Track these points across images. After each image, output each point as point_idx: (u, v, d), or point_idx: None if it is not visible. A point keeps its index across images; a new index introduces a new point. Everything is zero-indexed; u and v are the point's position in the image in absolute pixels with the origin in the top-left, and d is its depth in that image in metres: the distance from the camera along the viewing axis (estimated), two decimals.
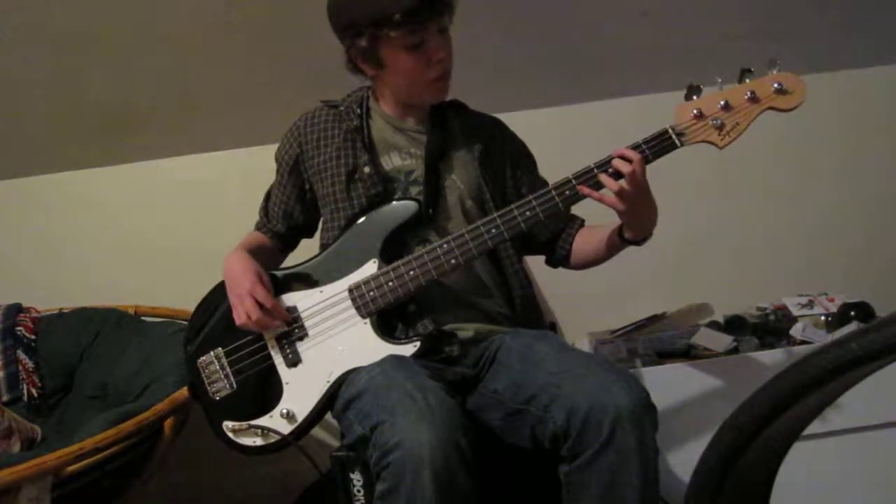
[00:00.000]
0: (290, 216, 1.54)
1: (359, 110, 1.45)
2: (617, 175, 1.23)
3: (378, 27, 1.28)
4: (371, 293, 1.32)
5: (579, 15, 1.99)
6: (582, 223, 1.52)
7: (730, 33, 2.01)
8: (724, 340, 1.71)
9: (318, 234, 1.55)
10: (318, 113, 1.49)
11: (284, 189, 1.53)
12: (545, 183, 1.33)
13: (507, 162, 1.50)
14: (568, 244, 1.50)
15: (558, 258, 1.53)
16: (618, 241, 1.37)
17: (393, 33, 1.28)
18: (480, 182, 1.44)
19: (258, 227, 1.59)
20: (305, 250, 1.54)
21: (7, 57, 1.99)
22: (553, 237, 1.51)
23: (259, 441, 1.34)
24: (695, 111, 1.24)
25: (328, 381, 1.31)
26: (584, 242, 1.49)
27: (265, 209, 1.59)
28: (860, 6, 2.00)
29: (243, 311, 1.31)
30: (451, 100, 1.52)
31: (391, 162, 1.44)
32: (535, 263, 1.68)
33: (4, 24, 1.91)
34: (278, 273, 1.41)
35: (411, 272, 1.30)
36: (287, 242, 1.60)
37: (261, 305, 1.31)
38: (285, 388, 1.34)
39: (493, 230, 1.29)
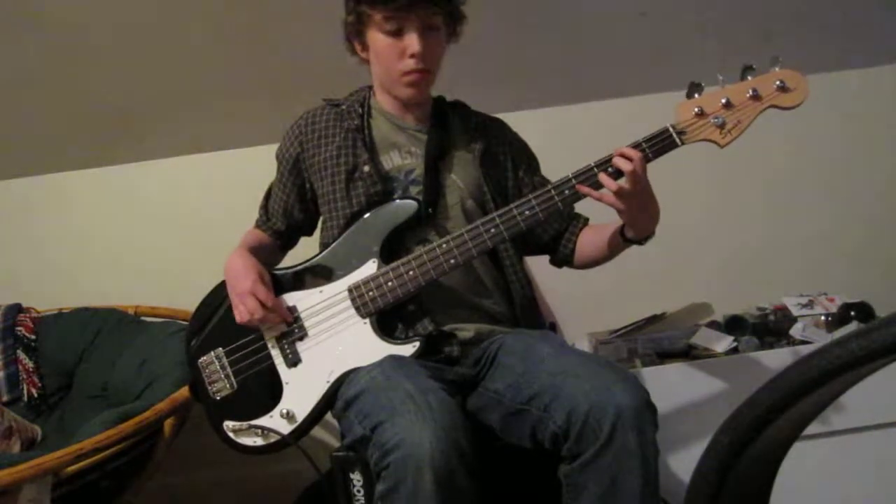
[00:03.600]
0: (289, 214, 1.54)
1: (360, 109, 1.45)
2: (617, 174, 1.23)
3: (360, 3, 1.34)
4: (371, 293, 1.32)
5: (579, 15, 1.99)
6: (586, 222, 1.52)
7: (730, 33, 2.01)
8: (724, 340, 1.71)
9: (317, 233, 1.55)
10: (320, 111, 1.49)
11: (284, 187, 1.53)
12: (547, 184, 1.33)
13: (509, 162, 1.49)
14: (572, 243, 1.50)
15: (562, 257, 1.52)
16: (620, 241, 1.37)
17: (370, 11, 1.33)
18: (481, 182, 1.44)
19: (258, 225, 1.59)
20: (305, 249, 1.54)
21: (7, 57, 1.99)
22: (556, 236, 1.51)
23: (259, 441, 1.34)
24: (696, 109, 1.24)
25: (328, 381, 1.31)
26: (587, 242, 1.48)
27: (265, 207, 1.59)
28: (860, 6, 2.00)
29: (245, 310, 1.32)
30: (453, 100, 1.52)
31: (391, 161, 1.44)
32: (536, 263, 1.68)
33: (4, 24, 1.91)
34: (278, 273, 1.41)
35: (411, 272, 1.30)
36: (286, 240, 1.60)
37: (262, 304, 1.31)
38: (285, 388, 1.34)
39: (493, 230, 1.29)
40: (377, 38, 1.35)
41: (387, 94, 1.45)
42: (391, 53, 1.35)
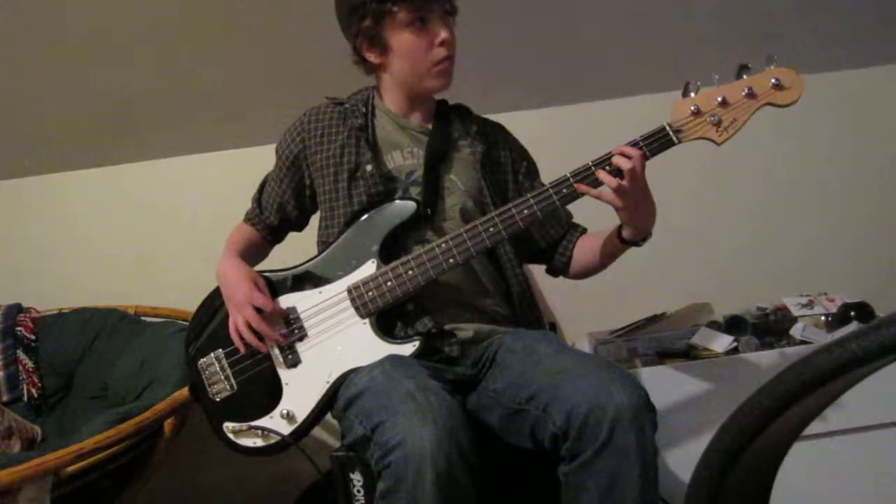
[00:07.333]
0: (283, 210, 1.54)
1: (364, 109, 1.45)
2: (616, 172, 1.23)
3: (381, 3, 1.32)
4: (370, 293, 1.32)
5: (578, 15, 1.99)
6: (583, 231, 1.52)
7: (730, 33, 2.01)
8: (724, 340, 1.71)
9: (311, 231, 1.54)
10: (323, 109, 1.49)
11: (281, 183, 1.52)
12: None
13: (510, 167, 1.50)
14: (569, 251, 1.50)
15: (558, 266, 1.52)
16: (617, 243, 1.37)
17: (395, 8, 1.31)
18: (481, 185, 1.44)
19: (248, 217, 1.59)
20: (303, 248, 1.54)
21: (7, 57, 1.99)
22: (553, 244, 1.51)
23: (259, 442, 1.34)
24: (692, 108, 1.24)
25: (328, 382, 1.31)
26: (583, 249, 1.48)
27: (258, 200, 1.58)
28: (860, 6, 2.00)
29: (242, 320, 1.33)
30: (456, 103, 1.52)
31: (393, 161, 1.44)
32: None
33: (4, 24, 1.91)
34: (277, 274, 1.41)
35: (410, 272, 1.30)
36: (276, 235, 1.60)
37: (260, 311, 1.32)
38: (285, 388, 1.34)
39: (492, 229, 1.29)
40: (402, 36, 1.35)
41: (399, 93, 1.44)
42: (419, 47, 1.35)
